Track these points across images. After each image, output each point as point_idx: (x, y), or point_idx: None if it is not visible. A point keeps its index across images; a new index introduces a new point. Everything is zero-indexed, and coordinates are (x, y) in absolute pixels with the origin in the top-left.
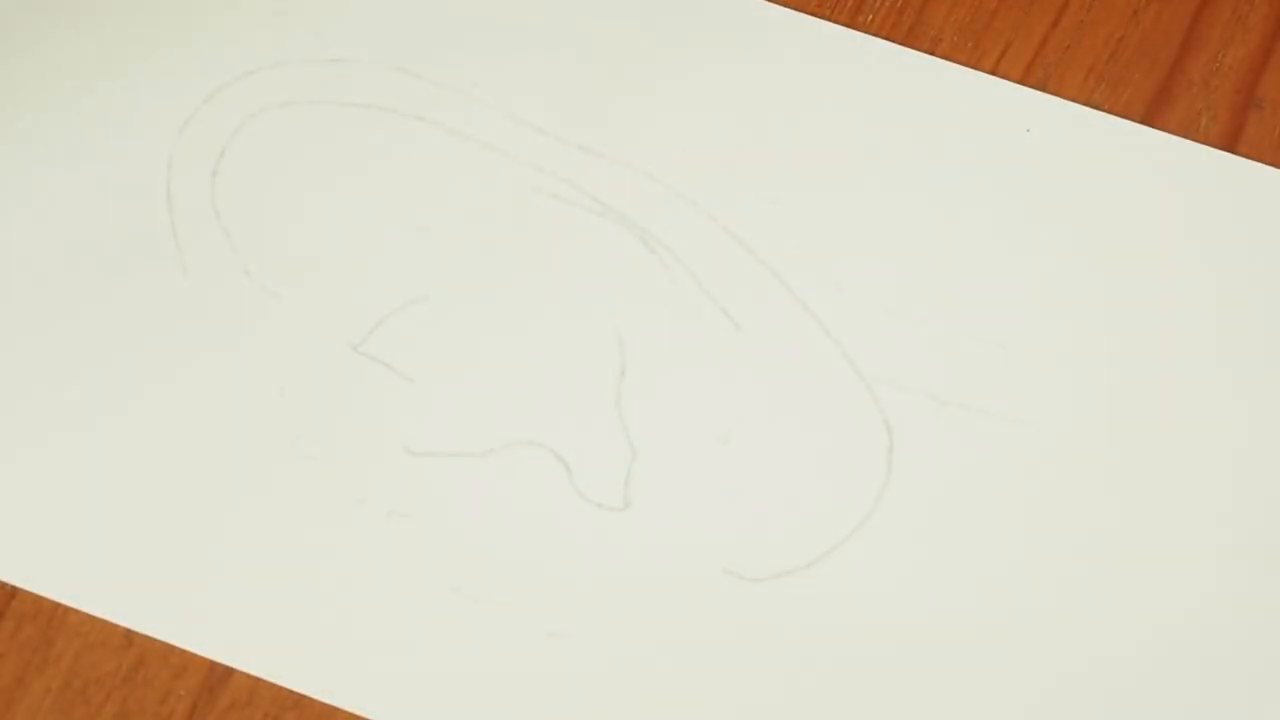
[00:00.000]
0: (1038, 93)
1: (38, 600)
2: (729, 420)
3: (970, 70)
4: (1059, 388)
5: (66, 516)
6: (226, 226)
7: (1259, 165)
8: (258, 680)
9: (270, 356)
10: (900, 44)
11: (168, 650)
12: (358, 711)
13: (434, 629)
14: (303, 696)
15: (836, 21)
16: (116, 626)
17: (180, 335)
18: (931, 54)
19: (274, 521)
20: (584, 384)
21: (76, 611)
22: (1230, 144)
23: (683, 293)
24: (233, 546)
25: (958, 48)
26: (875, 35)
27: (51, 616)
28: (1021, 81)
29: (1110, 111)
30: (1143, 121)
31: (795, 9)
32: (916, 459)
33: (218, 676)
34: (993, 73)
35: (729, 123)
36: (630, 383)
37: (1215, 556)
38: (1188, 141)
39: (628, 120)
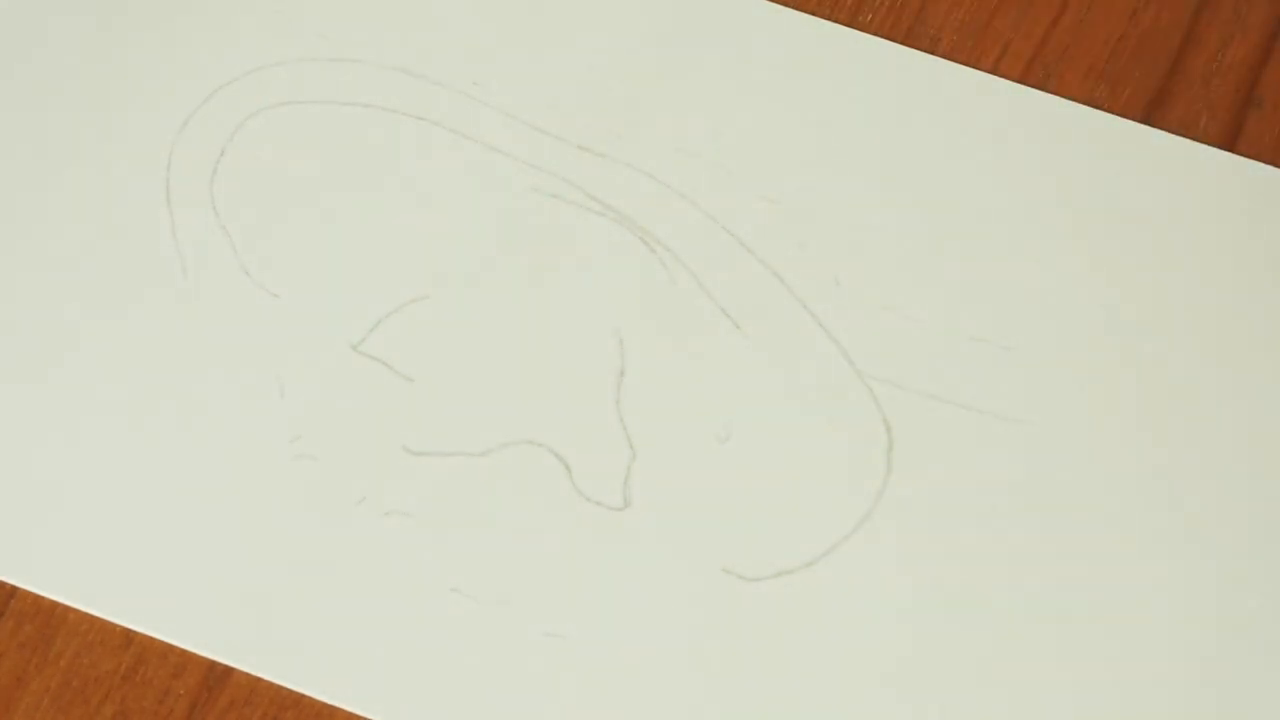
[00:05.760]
0: (1038, 92)
1: (37, 600)
2: (728, 420)
3: (970, 70)
4: (1059, 388)
5: (66, 516)
6: (226, 226)
7: (1258, 164)
8: (257, 680)
9: (270, 356)
10: (900, 43)
11: (167, 649)
12: (357, 711)
13: (433, 629)
14: (302, 696)
15: (836, 21)
16: (116, 626)
17: (180, 335)
18: (931, 53)
19: (274, 521)
20: (584, 384)
21: (76, 611)
22: (1229, 142)
23: (683, 293)
24: (232, 546)
25: (958, 47)
26: (875, 35)
27: (51, 616)
28: (1021, 81)
29: (1110, 110)
30: (1143, 120)
31: (795, 9)
32: (916, 459)
33: (217, 676)
34: (993, 72)
35: (729, 122)
36: (630, 383)
37: (1215, 555)
38: (1187, 140)
39: (627, 120)
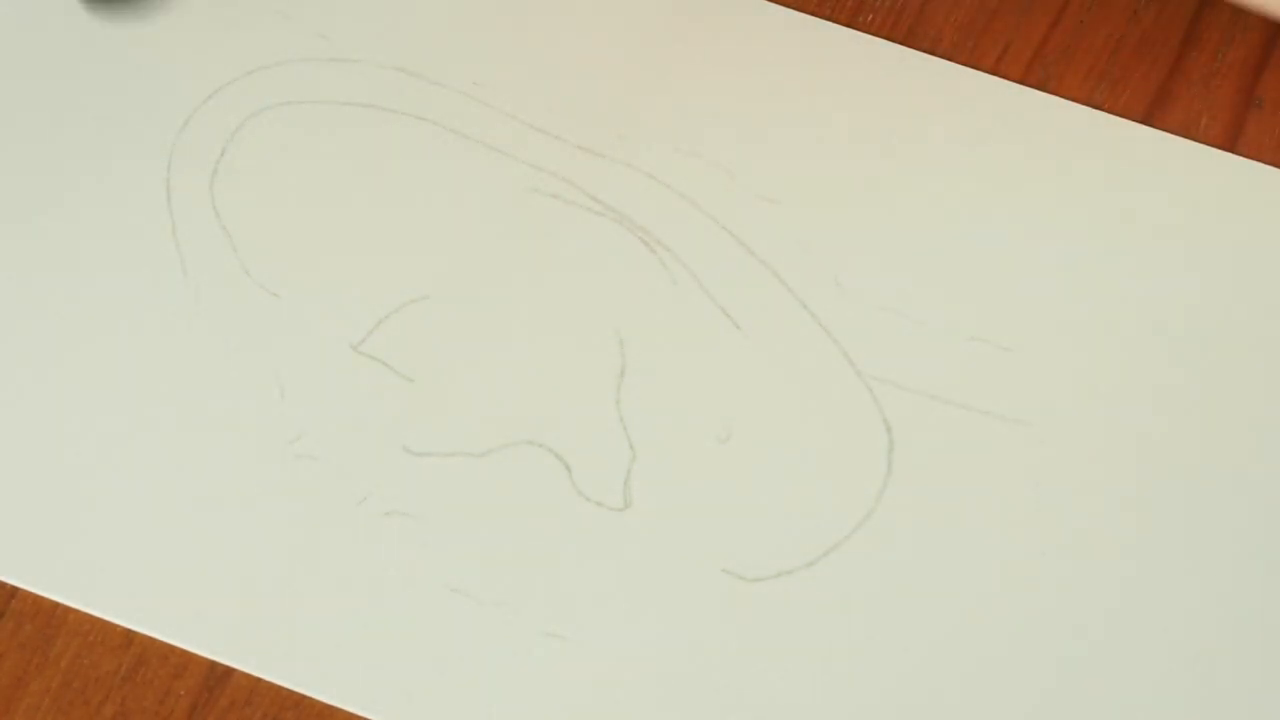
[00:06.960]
0: (1038, 92)
1: (38, 600)
2: (729, 420)
3: (970, 70)
4: (1059, 388)
5: (66, 516)
6: (226, 226)
7: (1259, 164)
8: (258, 680)
9: (270, 356)
10: (900, 44)
11: (167, 650)
12: (357, 711)
13: (433, 629)
14: (303, 697)
15: (836, 21)
16: (116, 626)
17: (180, 335)
18: (931, 54)
19: (274, 521)
20: (584, 384)
21: (76, 611)
22: (1229, 143)
23: (683, 293)
24: (233, 546)
25: (958, 48)
26: (875, 35)
27: (51, 616)
28: (1021, 81)
29: (1110, 111)
30: (1143, 121)
31: (795, 9)
32: (916, 459)
33: (217, 676)
34: (993, 73)
35: (728, 122)
36: (630, 383)
37: (1215, 556)
38: (1187, 140)
39: (627, 120)
